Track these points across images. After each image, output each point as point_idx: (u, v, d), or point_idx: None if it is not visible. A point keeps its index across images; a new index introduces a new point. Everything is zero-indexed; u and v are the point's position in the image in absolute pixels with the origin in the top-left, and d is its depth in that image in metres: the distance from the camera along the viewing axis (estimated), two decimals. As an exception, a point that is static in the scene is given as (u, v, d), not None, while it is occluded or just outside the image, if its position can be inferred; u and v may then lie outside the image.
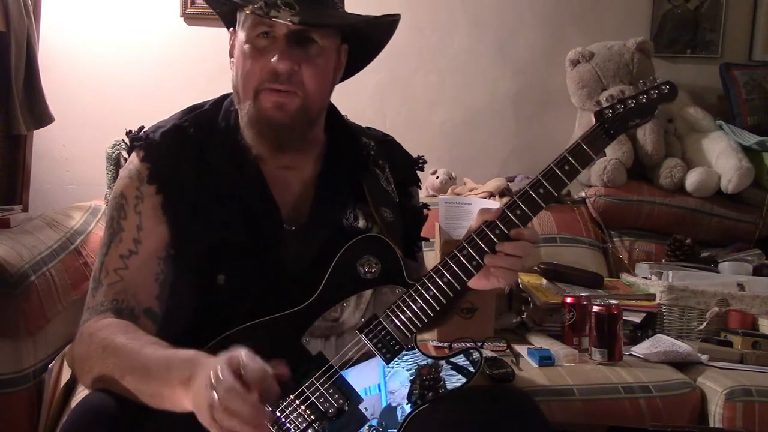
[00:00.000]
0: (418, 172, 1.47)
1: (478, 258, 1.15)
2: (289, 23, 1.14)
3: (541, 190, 1.16)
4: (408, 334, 1.14)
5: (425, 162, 1.47)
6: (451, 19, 2.76)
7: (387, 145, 1.42)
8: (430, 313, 1.14)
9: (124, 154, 1.38)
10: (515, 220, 1.16)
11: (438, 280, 1.15)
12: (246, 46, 1.19)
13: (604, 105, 1.20)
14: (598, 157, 1.21)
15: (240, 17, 1.23)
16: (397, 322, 1.14)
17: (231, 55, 1.25)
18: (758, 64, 2.80)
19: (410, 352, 1.16)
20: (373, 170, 1.34)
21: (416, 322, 1.14)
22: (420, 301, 1.14)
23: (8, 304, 1.53)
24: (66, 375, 1.62)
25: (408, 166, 1.43)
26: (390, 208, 1.31)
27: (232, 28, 1.26)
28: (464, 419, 1.08)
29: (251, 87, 1.19)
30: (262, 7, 1.13)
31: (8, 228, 1.79)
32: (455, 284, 1.15)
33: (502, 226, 1.16)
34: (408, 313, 1.14)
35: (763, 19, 2.83)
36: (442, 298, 1.14)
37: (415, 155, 1.48)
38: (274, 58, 1.16)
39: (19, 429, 1.55)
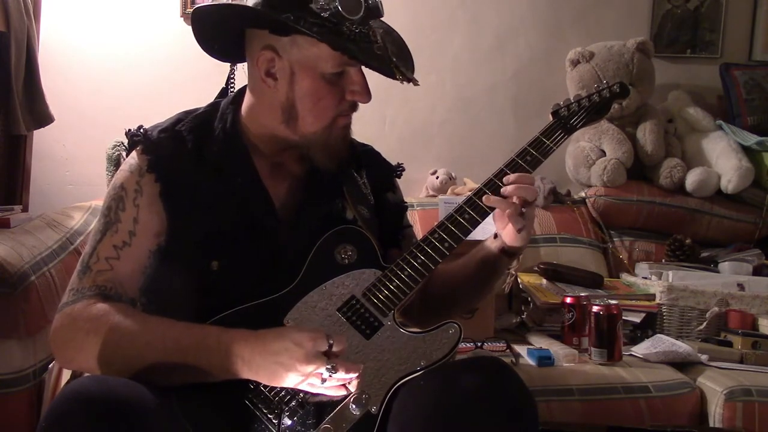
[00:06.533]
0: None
1: (449, 240, 1.26)
2: (416, 82, 1.26)
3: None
4: (386, 310, 1.22)
5: (404, 169, 1.53)
6: (451, 18, 2.76)
7: (365, 154, 1.47)
8: (406, 290, 1.23)
9: (124, 155, 1.41)
10: (481, 203, 1.28)
11: (412, 261, 1.25)
12: (322, 78, 1.23)
13: (562, 105, 1.36)
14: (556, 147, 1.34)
15: (291, 45, 1.21)
16: (375, 300, 1.23)
17: (267, 75, 1.24)
18: (758, 64, 2.80)
19: (391, 328, 1.22)
20: (352, 173, 1.41)
21: (394, 299, 1.23)
22: (396, 281, 1.24)
23: (8, 304, 1.53)
24: (66, 375, 1.62)
25: (384, 174, 1.49)
26: (366, 207, 1.39)
27: (266, 48, 1.23)
28: (446, 390, 1.10)
29: (330, 115, 1.26)
30: (394, 67, 1.22)
31: (8, 228, 1.80)
32: (429, 264, 1.25)
33: (476, 200, 1.28)
34: (385, 291, 1.23)
35: (763, 19, 2.83)
36: (417, 277, 1.24)
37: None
38: (359, 96, 1.25)
39: (19, 429, 1.56)
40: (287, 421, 1.13)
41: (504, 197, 1.26)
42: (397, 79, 1.23)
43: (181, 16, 2.60)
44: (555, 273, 2.17)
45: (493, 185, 1.29)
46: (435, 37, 2.74)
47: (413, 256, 1.25)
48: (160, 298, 1.23)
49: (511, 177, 1.28)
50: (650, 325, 2.08)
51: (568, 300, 1.97)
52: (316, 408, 1.15)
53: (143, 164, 1.25)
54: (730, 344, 1.97)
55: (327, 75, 1.22)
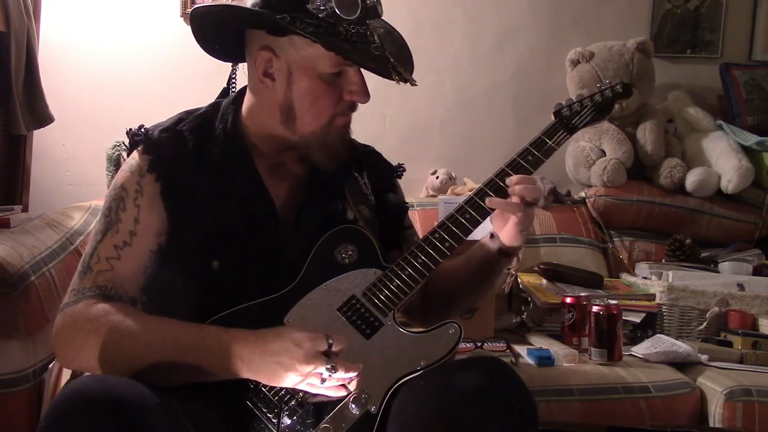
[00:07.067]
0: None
1: (450, 240, 1.26)
2: (413, 82, 1.25)
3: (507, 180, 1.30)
4: (386, 310, 1.23)
5: (404, 170, 1.53)
6: (450, 18, 2.76)
7: (366, 155, 1.48)
8: (407, 290, 1.23)
9: (124, 155, 1.41)
10: (482, 204, 1.28)
11: (413, 261, 1.25)
12: (320, 78, 1.23)
13: (564, 105, 1.36)
14: (557, 147, 1.34)
15: (288, 45, 1.22)
16: (375, 300, 1.23)
17: (265, 75, 1.25)
18: (758, 64, 2.80)
19: (391, 328, 1.22)
20: (353, 174, 1.41)
21: (394, 299, 1.23)
22: (397, 281, 1.24)
23: (8, 304, 1.53)
24: (66, 375, 1.62)
25: (385, 174, 1.50)
26: (367, 208, 1.40)
27: (264, 48, 1.23)
28: (446, 390, 1.10)
29: (328, 115, 1.26)
30: (390, 67, 1.22)
31: (8, 228, 1.80)
32: (430, 264, 1.25)
33: (477, 200, 1.28)
34: (386, 291, 1.23)
35: (763, 19, 2.83)
36: (418, 277, 1.24)
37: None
38: (358, 96, 1.25)
39: (19, 429, 1.56)
40: (287, 421, 1.14)
41: (506, 198, 1.27)
42: (393, 80, 1.23)
43: (181, 16, 2.60)
44: (555, 273, 2.17)
45: (494, 185, 1.29)
46: (435, 37, 2.75)
47: (414, 255, 1.25)
48: (160, 298, 1.23)
49: (515, 178, 1.28)
50: (650, 325, 2.08)
51: (568, 300, 1.97)
52: (315, 407, 1.15)
53: (144, 164, 1.25)
54: (730, 344, 1.97)
55: (324, 75, 1.22)
